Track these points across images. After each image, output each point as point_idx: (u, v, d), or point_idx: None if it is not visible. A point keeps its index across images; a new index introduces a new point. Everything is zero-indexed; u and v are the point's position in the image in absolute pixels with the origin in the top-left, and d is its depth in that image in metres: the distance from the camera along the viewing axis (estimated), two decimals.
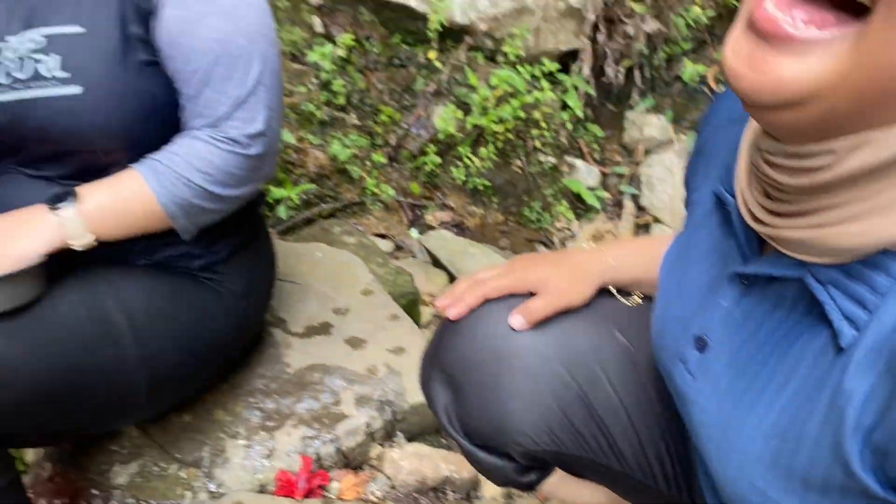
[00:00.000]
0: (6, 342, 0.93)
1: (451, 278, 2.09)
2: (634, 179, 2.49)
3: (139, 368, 1.08)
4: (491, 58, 2.42)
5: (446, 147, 2.35)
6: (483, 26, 2.34)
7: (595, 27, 2.39)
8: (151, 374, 1.11)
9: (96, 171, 1.05)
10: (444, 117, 2.29)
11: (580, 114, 2.37)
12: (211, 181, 1.04)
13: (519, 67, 2.32)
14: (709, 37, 2.55)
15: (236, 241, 1.22)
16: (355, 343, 1.46)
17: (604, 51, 2.42)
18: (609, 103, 2.59)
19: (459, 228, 2.29)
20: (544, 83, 2.33)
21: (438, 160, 2.33)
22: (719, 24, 2.55)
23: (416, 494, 1.31)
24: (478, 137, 2.35)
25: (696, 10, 2.47)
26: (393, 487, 1.33)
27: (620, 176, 2.50)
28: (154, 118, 1.04)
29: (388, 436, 1.39)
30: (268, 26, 1.07)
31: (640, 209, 2.46)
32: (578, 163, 2.47)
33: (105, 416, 1.12)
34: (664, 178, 2.44)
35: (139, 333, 1.07)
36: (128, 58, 1.00)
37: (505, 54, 2.35)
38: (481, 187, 2.33)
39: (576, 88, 2.39)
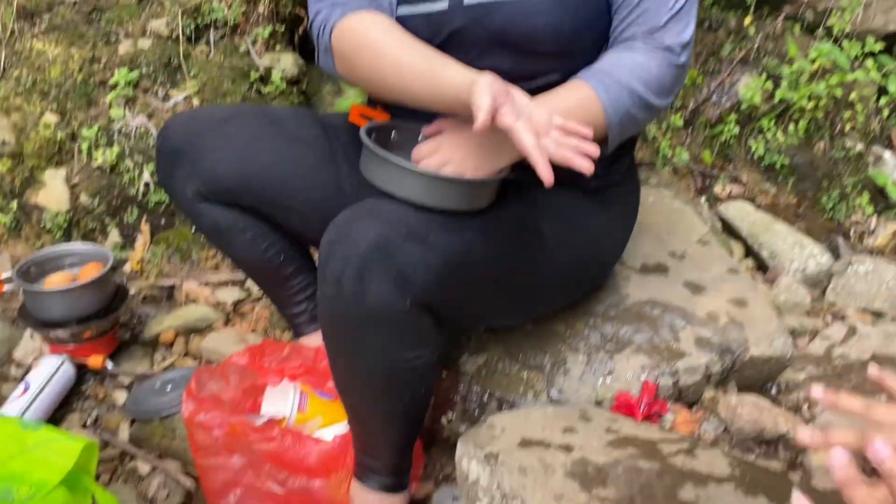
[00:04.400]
0: (473, 235, 0.99)
1: (748, 250, 2.00)
2: None
3: (550, 276, 1.14)
4: (809, 30, 2.28)
5: (747, 119, 2.25)
6: None
7: None
8: (556, 282, 1.16)
9: (528, 80, 1.06)
10: (750, 87, 2.19)
11: None
12: (648, 90, 1.02)
13: (845, 43, 2.16)
14: None
15: (626, 165, 1.22)
16: (694, 288, 1.42)
17: None
18: None
19: (751, 205, 2.18)
20: (869, 63, 2.16)
21: (736, 131, 2.24)
22: None
23: (750, 443, 1.26)
24: (782, 112, 2.23)
25: None
26: (726, 431, 1.28)
27: None
28: (596, 27, 1.05)
29: (722, 382, 1.34)
30: None
31: None
32: (887, 155, 2.27)
33: (515, 310, 1.20)
34: None
35: (558, 243, 1.12)
36: None
37: (828, 28, 2.21)
38: (779, 165, 2.21)
39: None
